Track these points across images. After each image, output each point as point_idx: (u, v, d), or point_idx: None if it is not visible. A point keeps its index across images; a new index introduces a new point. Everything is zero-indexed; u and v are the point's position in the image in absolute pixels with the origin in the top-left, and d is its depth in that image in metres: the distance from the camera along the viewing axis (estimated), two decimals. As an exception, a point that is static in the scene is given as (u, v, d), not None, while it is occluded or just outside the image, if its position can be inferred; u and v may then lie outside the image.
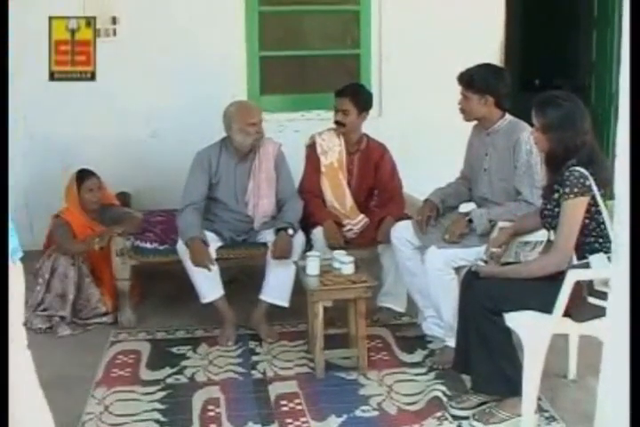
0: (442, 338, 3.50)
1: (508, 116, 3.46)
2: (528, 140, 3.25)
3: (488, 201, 3.50)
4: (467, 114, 3.47)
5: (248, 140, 3.75)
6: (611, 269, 1.65)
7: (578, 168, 2.73)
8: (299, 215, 3.82)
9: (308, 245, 3.81)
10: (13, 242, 1.91)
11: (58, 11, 4.84)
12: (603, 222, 2.75)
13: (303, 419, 2.96)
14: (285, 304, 3.73)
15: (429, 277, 3.35)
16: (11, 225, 1.90)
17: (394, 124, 5.07)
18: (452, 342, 3.27)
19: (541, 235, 3.00)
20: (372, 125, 4.14)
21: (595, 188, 2.71)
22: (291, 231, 3.67)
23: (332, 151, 4.02)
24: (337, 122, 3.95)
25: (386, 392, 3.17)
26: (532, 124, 2.94)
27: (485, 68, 3.49)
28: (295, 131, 4.97)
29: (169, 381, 3.31)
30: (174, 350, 3.64)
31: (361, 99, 3.95)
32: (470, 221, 3.40)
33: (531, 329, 2.76)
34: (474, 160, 3.61)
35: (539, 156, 3.04)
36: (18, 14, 1.86)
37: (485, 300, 2.82)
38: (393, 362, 3.47)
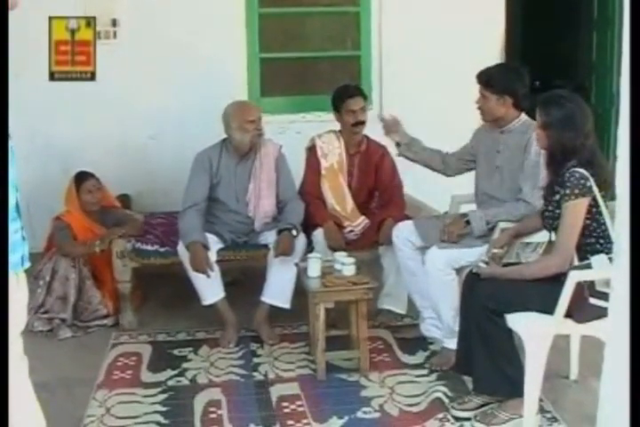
0: (440, 339, 3.50)
1: (523, 116, 3.42)
2: None
3: (494, 198, 3.48)
4: (485, 114, 3.43)
5: (247, 138, 3.75)
6: (612, 270, 1.65)
7: (578, 169, 2.73)
8: (301, 217, 3.82)
9: (309, 247, 3.80)
10: (24, 250, 1.85)
11: (58, 11, 4.84)
12: (604, 223, 2.75)
13: (305, 421, 2.95)
14: (287, 306, 3.73)
15: (430, 278, 3.34)
16: (21, 233, 1.85)
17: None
18: (450, 344, 3.27)
19: (542, 236, 3.00)
20: (372, 127, 4.14)
21: (595, 189, 2.71)
22: (294, 232, 3.67)
23: (333, 153, 4.01)
24: (361, 122, 3.93)
25: (387, 394, 3.16)
26: None
27: (505, 67, 3.47)
28: (296, 132, 4.95)
29: (170, 383, 3.30)
30: (175, 352, 3.64)
31: (364, 94, 4.02)
32: (468, 222, 3.39)
33: (532, 330, 2.76)
34: (484, 157, 3.57)
35: None
36: (18, 14, 1.84)
37: (487, 301, 2.81)
38: (394, 364, 3.47)
